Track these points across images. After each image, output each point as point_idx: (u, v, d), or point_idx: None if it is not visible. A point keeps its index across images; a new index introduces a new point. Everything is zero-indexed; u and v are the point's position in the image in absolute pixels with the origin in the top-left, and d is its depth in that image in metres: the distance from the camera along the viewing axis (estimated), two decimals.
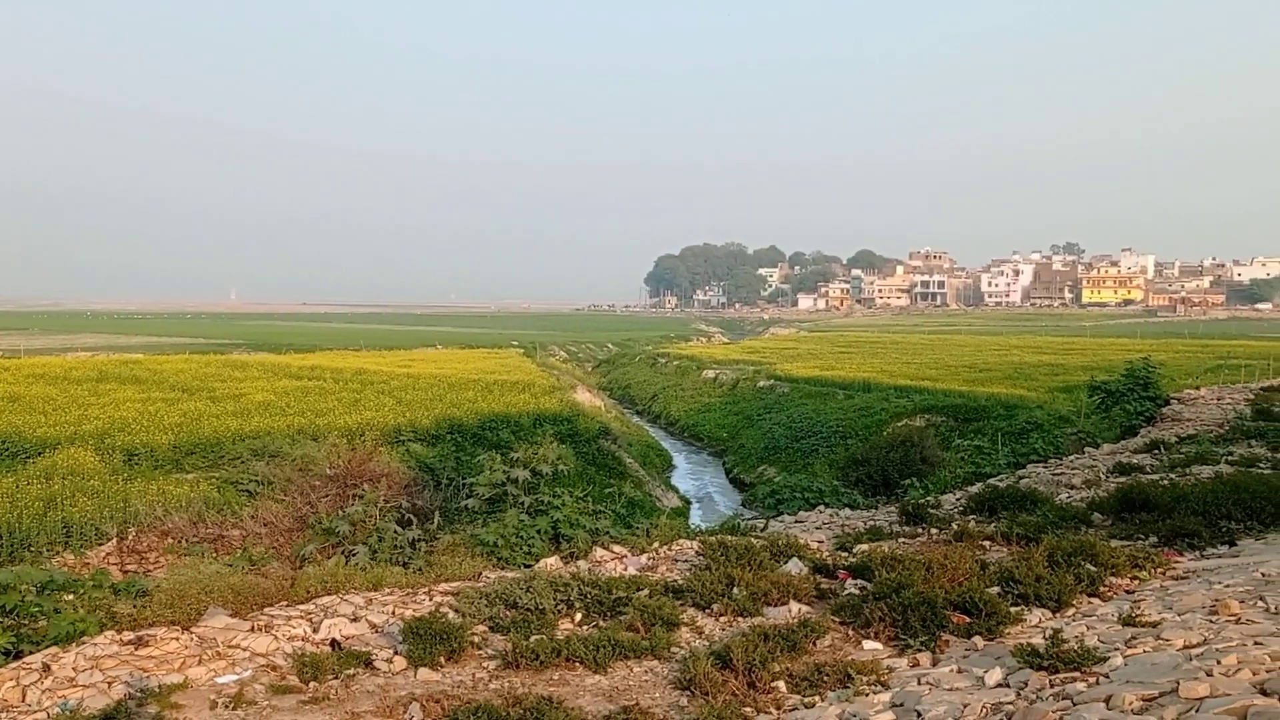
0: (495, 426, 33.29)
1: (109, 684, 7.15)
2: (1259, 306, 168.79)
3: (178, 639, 8.09)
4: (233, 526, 20.63)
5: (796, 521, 17.42)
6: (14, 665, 7.44)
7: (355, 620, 8.95)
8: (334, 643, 8.38)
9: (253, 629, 8.45)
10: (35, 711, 6.71)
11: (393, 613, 9.26)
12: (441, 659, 8.00)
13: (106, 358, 56.87)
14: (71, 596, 9.66)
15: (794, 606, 9.47)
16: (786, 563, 11.14)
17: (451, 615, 8.93)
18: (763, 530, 14.59)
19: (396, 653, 8.11)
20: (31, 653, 7.82)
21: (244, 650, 8.01)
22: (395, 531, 13.31)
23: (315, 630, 8.60)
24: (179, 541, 20.40)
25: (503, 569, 11.91)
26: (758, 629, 8.37)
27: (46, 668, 7.34)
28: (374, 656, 8.03)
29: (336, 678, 7.59)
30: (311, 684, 7.43)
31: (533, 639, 8.31)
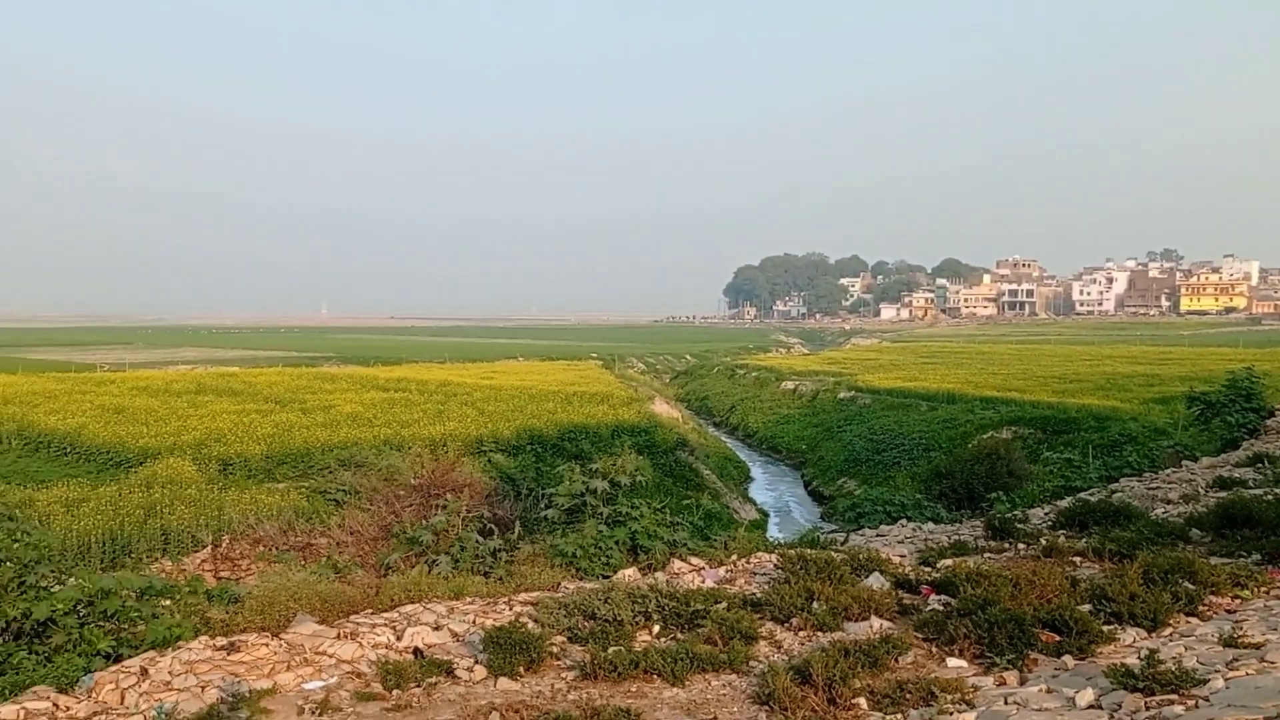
0: (574, 437, 33.54)
1: (203, 688, 7.35)
2: None
3: (267, 645, 8.29)
4: (320, 535, 21.12)
5: (878, 535, 17.14)
6: (114, 669, 7.70)
7: (438, 629, 9.06)
8: (417, 651, 8.49)
9: (339, 636, 8.61)
10: (133, 714, 6.93)
11: (474, 622, 9.36)
12: (521, 669, 8.05)
13: (205, 371, 58.80)
14: (168, 602, 9.96)
15: (875, 622, 9.30)
16: (867, 577, 10.96)
17: (531, 625, 8.98)
18: (843, 544, 14.39)
19: (477, 662, 8.18)
20: (130, 656, 8.09)
21: (330, 657, 8.17)
22: (477, 541, 13.47)
23: (399, 638, 8.73)
24: (269, 549, 20.96)
25: (581, 579, 11.95)
26: (838, 644, 8.24)
27: (144, 671, 7.58)
28: (455, 665, 8.11)
29: (419, 686, 7.69)
30: (395, 691, 7.54)
31: (610, 650, 8.31)
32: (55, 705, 7.05)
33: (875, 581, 10.83)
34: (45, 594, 8.40)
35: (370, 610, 9.77)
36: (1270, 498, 15.26)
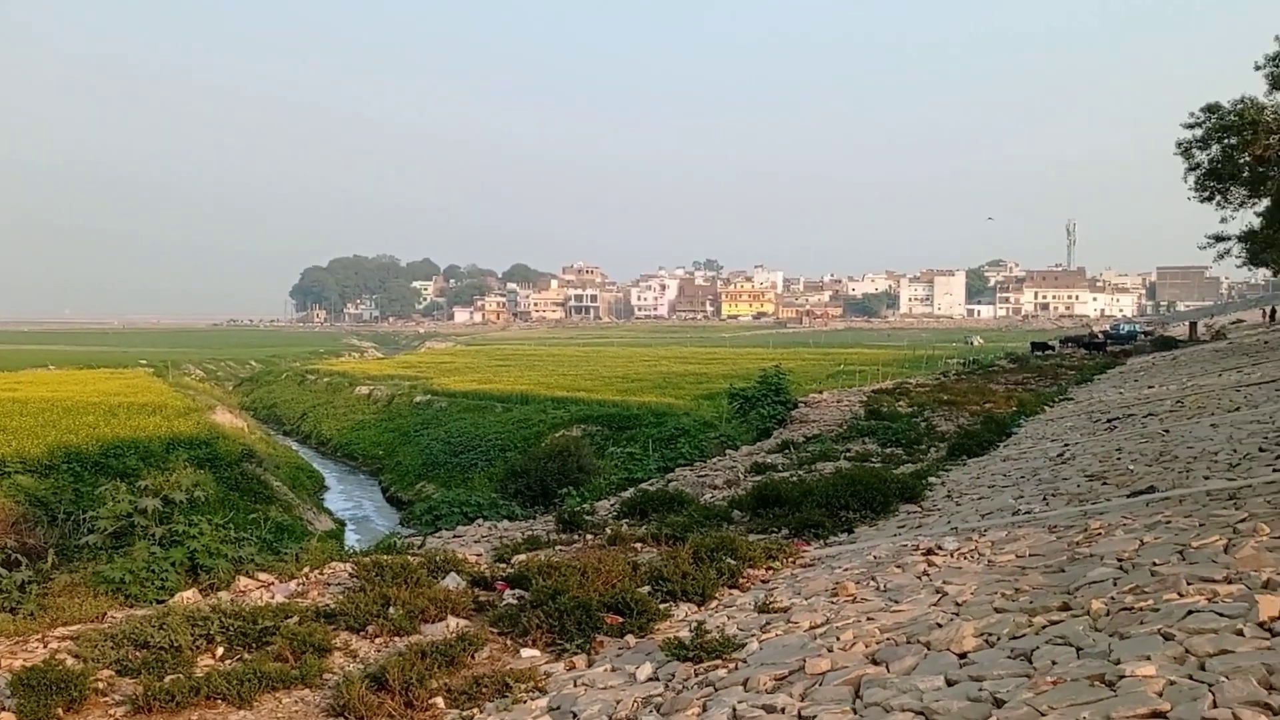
0: (121, 453, 30.31)
1: None
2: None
3: None
4: None
5: (455, 537, 17.33)
6: None
7: None
8: None
9: None
10: None
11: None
12: (59, 711, 7.16)
13: None
14: None
15: (452, 621, 9.40)
16: (445, 578, 11.05)
17: (71, 661, 8.01)
18: (420, 547, 14.37)
19: (4, 709, 7.15)
20: None
21: None
22: (0, 575, 11.72)
23: None
24: None
25: (132, 607, 10.86)
26: (415, 647, 8.22)
27: None
28: None
29: None
30: None
31: (167, 679, 7.65)
32: None
33: (452, 582, 10.94)
34: None
35: None
36: (795, 479, 17.51)
